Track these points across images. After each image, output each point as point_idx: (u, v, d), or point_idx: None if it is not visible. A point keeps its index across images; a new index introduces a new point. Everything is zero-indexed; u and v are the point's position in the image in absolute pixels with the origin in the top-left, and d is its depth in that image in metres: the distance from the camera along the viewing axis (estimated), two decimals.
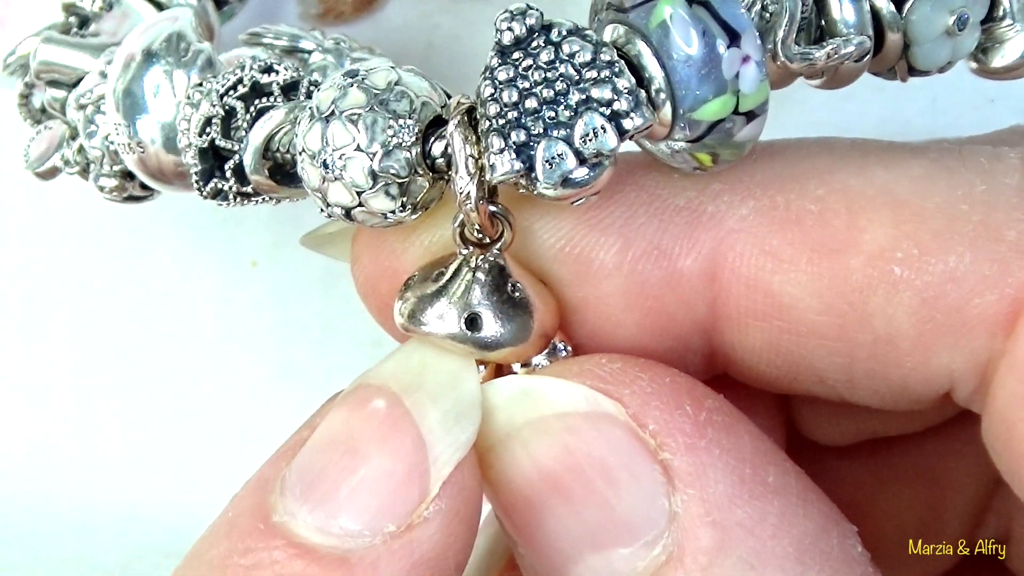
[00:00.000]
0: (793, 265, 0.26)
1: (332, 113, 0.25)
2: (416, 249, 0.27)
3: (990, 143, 0.27)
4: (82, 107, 0.30)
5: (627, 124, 0.24)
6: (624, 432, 0.25)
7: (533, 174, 0.24)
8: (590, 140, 0.24)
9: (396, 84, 0.25)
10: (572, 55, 0.24)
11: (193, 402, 0.42)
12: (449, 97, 0.25)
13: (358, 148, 0.24)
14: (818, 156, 0.27)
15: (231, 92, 0.27)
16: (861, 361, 0.27)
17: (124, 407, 0.42)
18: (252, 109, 0.27)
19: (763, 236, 0.26)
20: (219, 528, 0.25)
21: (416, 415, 0.24)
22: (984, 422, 0.27)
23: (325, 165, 0.25)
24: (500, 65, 0.24)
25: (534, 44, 0.24)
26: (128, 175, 0.29)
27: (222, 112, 0.27)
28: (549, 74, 0.24)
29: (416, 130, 0.25)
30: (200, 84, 0.27)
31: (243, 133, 0.27)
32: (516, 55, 0.24)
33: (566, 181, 0.24)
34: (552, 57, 0.24)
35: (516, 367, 0.27)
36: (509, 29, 0.24)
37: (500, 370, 0.27)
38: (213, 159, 0.27)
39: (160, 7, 0.33)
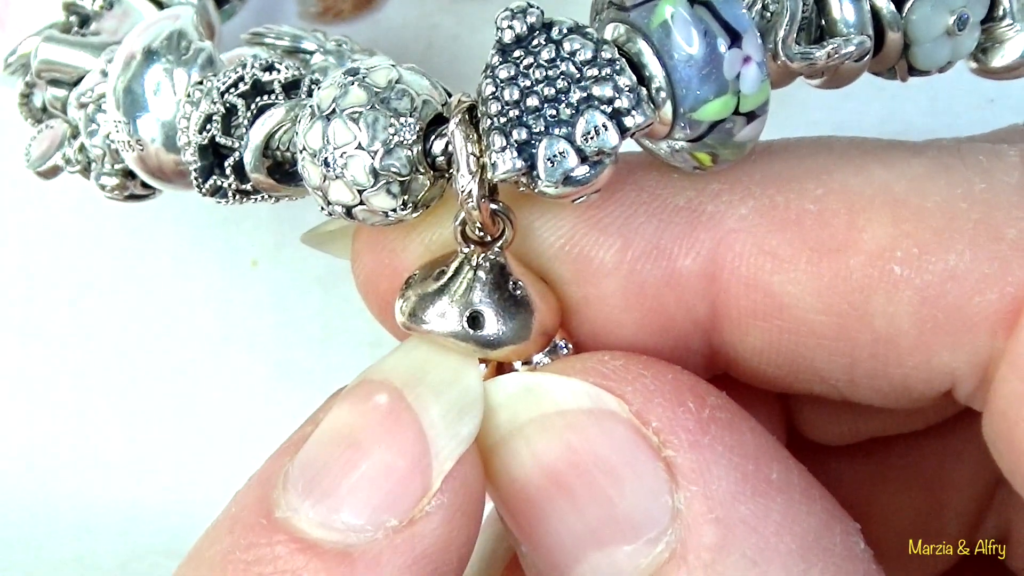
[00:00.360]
0: (793, 265, 0.26)
1: (333, 111, 0.25)
2: (416, 247, 0.27)
3: (989, 142, 0.27)
4: (83, 106, 0.30)
5: (628, 122, 0.24)
6: (627, 429, 0.24)
7: (535, 172, 0.24)
8: (592, 138, 0.24)
9: (397, 82, 0.25)
10: (573, 53, 0.24)
11: (193, 402, 0.42)
12: (450, 96, 0.25)
13: (359, 146, 0.24)
14: (817, 156, 0.27)
15: (232, 89, 0.27)
16: (862, 360, 0.27)
17: (124, 407, 0.42)
18: (253, 107, 0.27)
19: (763, 236, 0.26)
20: (222, 524, 0.25)
21: (418, 410, 0.24)
22: (985, 420, 0.27)
23: (326, 163, 0.25)
24: (501, 63, 0.24)
25: (535, 42, 0.24)
26: (129, 174, 0.29)
27: (223, 109, 0.27)
28: (550, 72, 0.24)
29: (417, 128, 0.25)
30: (201, 82, 0.27)
31: (243, 131, 0.27)
32: (517, 53, 0.24)
33: (567, 179, 0.24)
34: (553, 55, 0.24)
35: (517, 365, 0.27)
36: (510, 27, 0.24)
37: (501, 368, 0.27)
38: (213, 156, 0.27)
39: (161, 6, 0.33)
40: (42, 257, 0.42)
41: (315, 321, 0.42)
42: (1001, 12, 0.27)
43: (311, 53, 0.34)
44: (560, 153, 0.24)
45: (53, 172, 0.32)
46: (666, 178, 0.27)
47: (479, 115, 0.25)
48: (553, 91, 0.24)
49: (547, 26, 0.25)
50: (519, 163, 0.24)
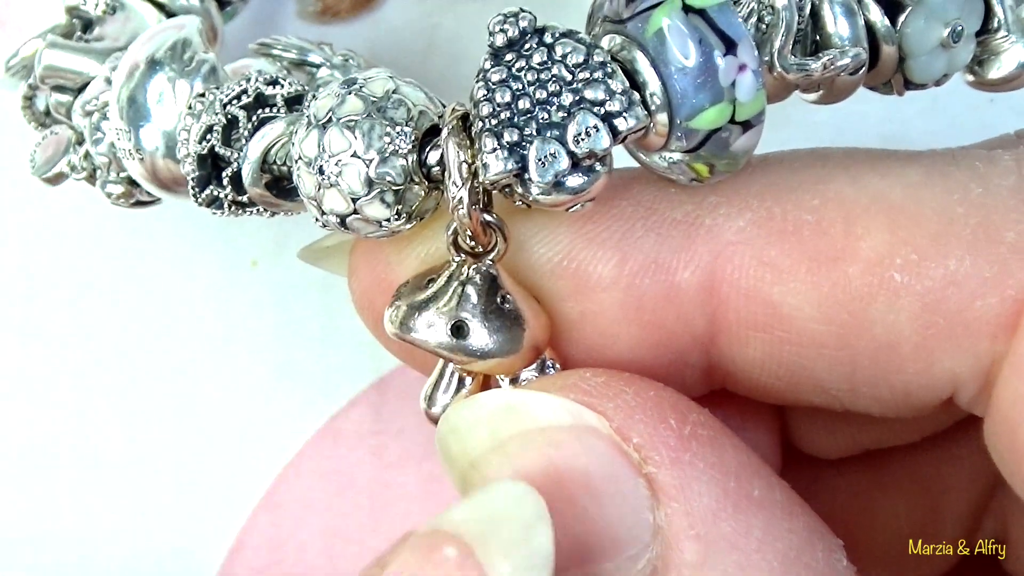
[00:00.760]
0: (792, 275, 0.26)
1: (329, 120, 0.25)
2: (412, 261, 0.27)
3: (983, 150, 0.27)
4: (88, 114, 0.30)
5: (620, 125, 0.24)
6: (608, 446, 0.24)
7: (526, 174, 0.24)
8: (583, 140, 0.24)
9: (394, 92, 0.25)
10: (565, 56, 0.24)
11: (193, 402, 0.42)
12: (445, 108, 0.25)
13: (354, 154, 0.24)
14: (812, 167, 0.27)
15: (235, 101, 0.27)
16: (863, 369, 0.27)
17: (124, 407, 0.42)
18: (255, 119, 0.27)
19: (761, 247, 0.26)
20: None
21: (486, 566, 0.23)
22: (986, 424, 0.27)
23: (321, 171, 0.25)
24: (493, 67, 0.24)
25: (527, 46, 0.24)
26: (135, 181, 0.29)
27: (224, 120, 0.27)
28: (542, 75, 0.24)
29: (413, 137, 0.25)
30: (203, 94, 0.27)
31: (244, 142, 0.26)
32: (509, 57, 0.24)
33: (559, 184, 0.24)
34: (545, 58, 0.24)
35: (503, 381, 0.27)
36: (502, 31, 0.24)
37: (487, 383, 0.27)
38: (211, 167, 0.27)
39: (163, 9, 0.33)
40: (42, 257, 0.42)
41: (315, 321, 0.42)
42: (996, 24, 0.26)
43: (317, 66, 0.33)
44: (551, 154, 0.24)
45: (58, 179, 0.32)
46: (663, 192, 0.27)
47: (471, 119, 0.24)
48: (545, 94, 0.24)
49: (539, 31, 0.25)
50: (510, 164, 0.24)
